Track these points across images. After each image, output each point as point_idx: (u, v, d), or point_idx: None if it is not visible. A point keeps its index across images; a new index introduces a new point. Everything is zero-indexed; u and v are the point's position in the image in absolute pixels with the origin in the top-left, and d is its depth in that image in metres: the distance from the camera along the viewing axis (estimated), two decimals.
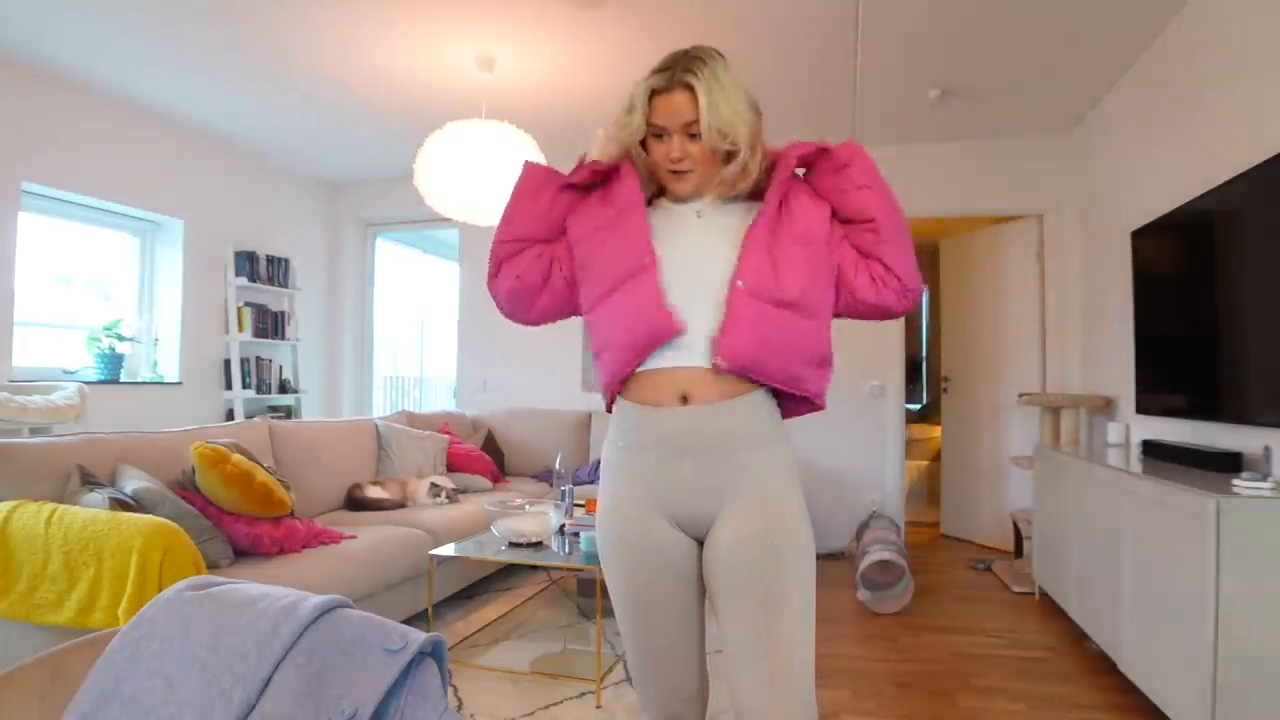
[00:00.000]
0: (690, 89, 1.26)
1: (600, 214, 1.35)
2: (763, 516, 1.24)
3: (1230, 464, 2.39)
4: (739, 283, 1.24)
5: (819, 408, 1.38)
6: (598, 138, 1.36)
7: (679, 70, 1.26)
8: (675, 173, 1.32)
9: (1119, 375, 3.72)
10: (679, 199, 1.37)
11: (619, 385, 1.33)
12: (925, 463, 6.37)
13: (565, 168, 1.41)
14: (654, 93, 1.28)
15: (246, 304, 4.94)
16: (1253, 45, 2.56)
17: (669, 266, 1.29)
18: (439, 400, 7.36)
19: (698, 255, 1.30)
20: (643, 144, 1.33)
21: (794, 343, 1.26)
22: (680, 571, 1.30)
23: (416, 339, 7.38)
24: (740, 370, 1.24)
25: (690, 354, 1.26)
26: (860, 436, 4.80)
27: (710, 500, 1.27)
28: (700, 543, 1.31)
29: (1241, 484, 2.01)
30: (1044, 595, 3.58)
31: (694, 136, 1.28)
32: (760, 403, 1.29)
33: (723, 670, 1.27)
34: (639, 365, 1.29)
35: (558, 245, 1.40)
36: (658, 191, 1.40)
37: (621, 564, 1.31)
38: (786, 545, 1.24)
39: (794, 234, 1.29)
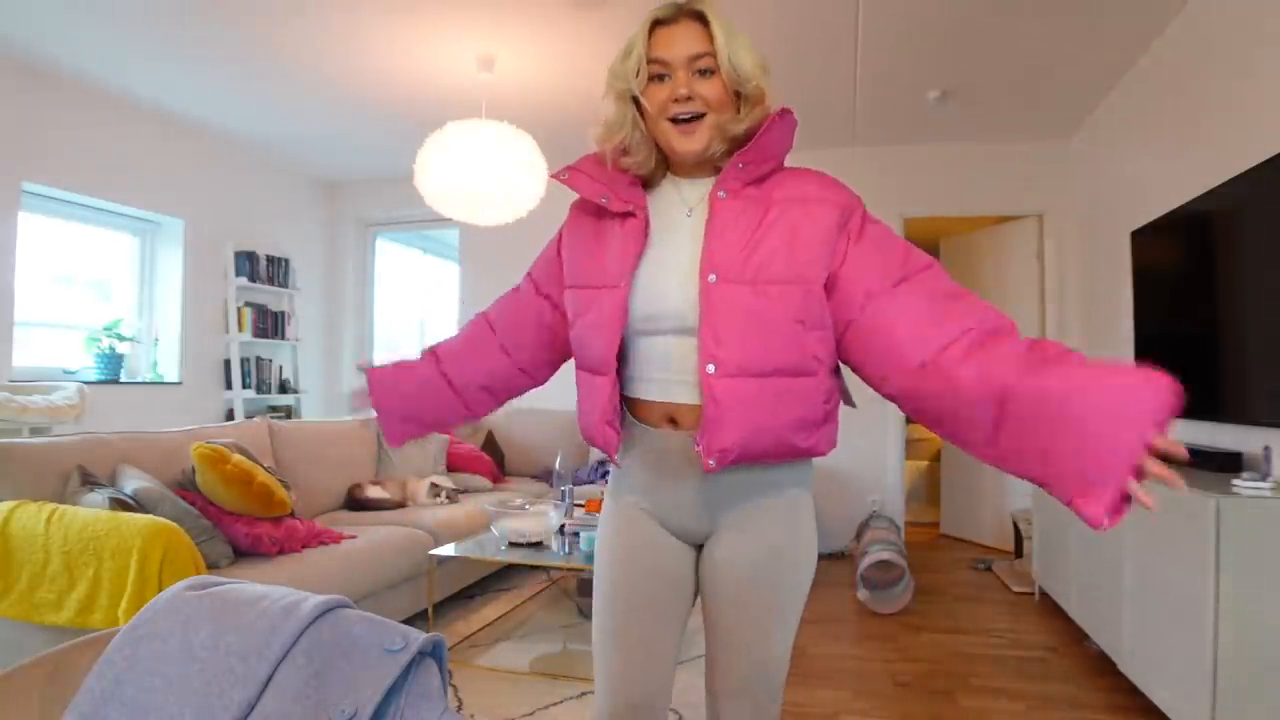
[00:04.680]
0: (700, 18, 1.10)
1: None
2: (755, 537, 1.16)
3: (1230, 464, 2.39)
4: (709, 367, 1.07)
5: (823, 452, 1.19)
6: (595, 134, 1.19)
7: (685, 3, 1.12)
8: (677, 122, 1.11)
9: None
10: (684, 166, 1.18)
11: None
12: (925, 463, 6.37)
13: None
14: (656, 24, 1.12)
15: (246, 304, 4.94)
16: (1252, 45, 2.56)
17: (642, 285, 1.14)
18: None
19: (673, 273, 1.13)
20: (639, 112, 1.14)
21: (788, 414, 1.09)
22: (671, 576, 1.22)
23: (416, 339, 7.37)
24: (735, 464, 1.10)
25: (680, 389, 1.15)
26: (860, 436, 4.80)
27: (701, 516, 1.19)
28: (699, 548, 1.23)
29: (1241, 484, 2.01)
30: (1044, 595, 3.58)
31: (704, 74, 1.10)
32: None
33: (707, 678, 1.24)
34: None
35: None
36: (661, 164, 1.20)
37: (613, 559, 1.24)
38: (775, 567, 1.17)
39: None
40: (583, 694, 2.51)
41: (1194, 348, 2.83)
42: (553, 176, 1.22)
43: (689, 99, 1.10)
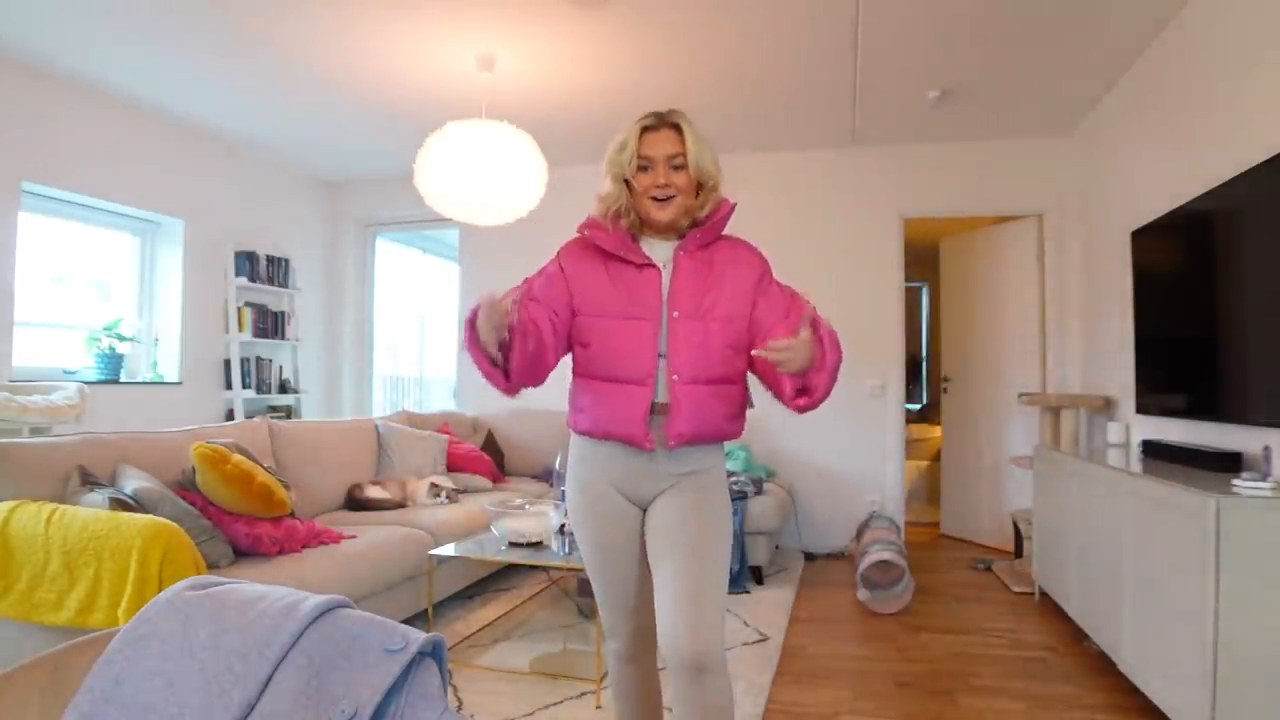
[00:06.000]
0: (677, 128, 1.55)
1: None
2: (692, 490, 1.57)
3: (1230, 464, 2.38)
4: (674, 376, 1.50)
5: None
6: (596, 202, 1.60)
7: (666, 115, 1.56)
8: (657, 200, 1.54)
9: (1119, 375, 3.72)
10: (658, 231, 1.59)
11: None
12: (925, 463, 6.37)
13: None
14: (645, 130, 1.55)
15: (246, 304, 4.94)
16: (1252, 45, 2.56)
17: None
18: (439, 400, 7.35)
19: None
20: (627, 185, 1.56)
21: (721, 410, 1.56)
22: (629, 531, 1.62)
23: (416, 339, 7.37)
24: (687, 444, 1.54)
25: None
26: (860, 436, 4.80)
27: (654, 482, 1.58)
28: (644, 510, 1.62)
29: (1241, 484, 2.01)
30: (1044, 595, 3.58)
31: (677, 168, 1.54)
32: None
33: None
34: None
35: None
36: (639, 226, 1.61)
37: (590, 526, 1.63)
38: (700, 510, 1.55)
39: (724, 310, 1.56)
40: (582, 694, 2.51)
41: (1194, 348, 2.83)
42: (580, 230, 1.63)
43: (666, 185, 1.54)
